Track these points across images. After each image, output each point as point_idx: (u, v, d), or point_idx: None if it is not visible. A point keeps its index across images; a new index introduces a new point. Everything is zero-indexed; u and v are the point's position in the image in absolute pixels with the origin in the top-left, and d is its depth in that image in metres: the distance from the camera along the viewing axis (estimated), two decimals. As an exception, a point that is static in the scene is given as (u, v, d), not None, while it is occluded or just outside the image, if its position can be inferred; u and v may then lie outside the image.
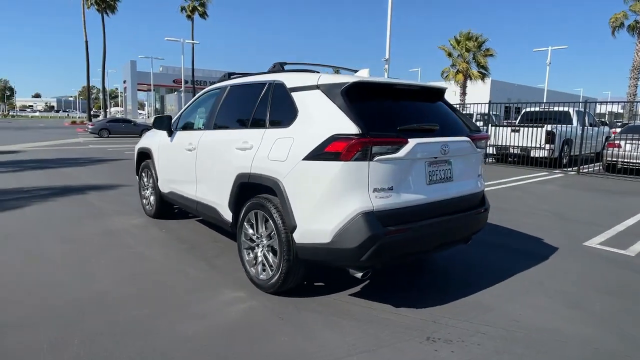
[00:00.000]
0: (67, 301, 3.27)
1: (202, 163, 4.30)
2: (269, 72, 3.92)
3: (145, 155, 5.82)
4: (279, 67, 3.86)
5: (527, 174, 11.56)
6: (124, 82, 64.47)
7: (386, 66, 15.97)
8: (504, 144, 13.59)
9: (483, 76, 31.67)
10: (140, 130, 29.29)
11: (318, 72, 3.55)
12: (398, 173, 3.00)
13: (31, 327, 2.87)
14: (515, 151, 13.46)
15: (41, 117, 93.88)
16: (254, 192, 3.50)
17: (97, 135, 27.85)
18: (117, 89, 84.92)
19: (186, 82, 58.78)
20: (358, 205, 2.86)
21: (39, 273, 3.84)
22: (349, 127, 2.88)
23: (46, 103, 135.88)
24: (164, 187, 5.26)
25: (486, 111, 14.69)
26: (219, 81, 4.68)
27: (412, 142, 3.02)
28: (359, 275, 3.07)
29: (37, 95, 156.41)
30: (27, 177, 9.43)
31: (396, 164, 2.98)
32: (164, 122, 5.04)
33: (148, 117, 51.20)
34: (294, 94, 3.35)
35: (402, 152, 2.97)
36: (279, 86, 3.56)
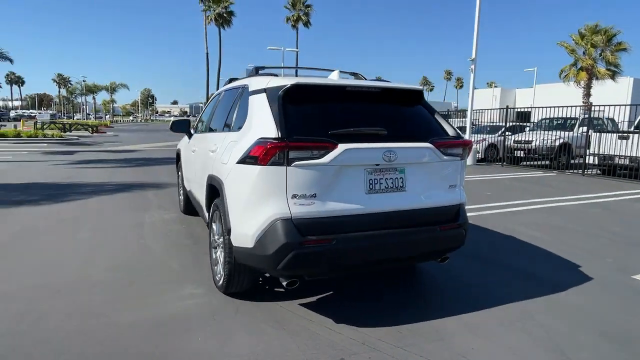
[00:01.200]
0: (50, 281, 3.73)
1: (196, 164, 4.57)
2: (248, 75, 4.00)
3: (177, 156, 6.35)
4: (253, 71, 3.91)
5: (628, 189, 9.77)
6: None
7: (472, 66, 14.85)
8: (609, 153, 11.71)
9: (613, 74, 27.49)
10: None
11: (277, 75, 3.51)
12: (324, 180, 2.82)
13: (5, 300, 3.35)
14: (624, 162, 11.49)
15: (167, 120, 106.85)
16: (217, 194, 3.61)
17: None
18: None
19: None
20: (275, 212, 2.77)
21: (49, 255, 4.43)
22: (271, 131, 2.81)
23: (181, 109, 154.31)
24: (187, 185, 5.67)
25: (621, 115, 12.98)
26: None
27: (341, 147, 2.82)
28: (284, 283, 2.97)
29: (175, 102, 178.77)
30: (120, 172, 10.88)
31: (321, 170, 2.81)
32: (180, 125, 5.42)
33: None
34: (250, 98, 3.37)
35: (328, 158, 2.79)
36: (245, 90, 3.61)
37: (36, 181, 9.12)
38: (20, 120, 32.07)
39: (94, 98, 73.92)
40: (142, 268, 4.11)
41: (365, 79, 4.17)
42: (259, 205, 2.82)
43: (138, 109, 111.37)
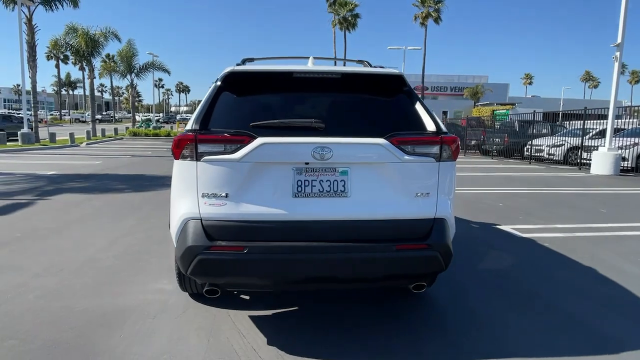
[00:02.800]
0: (56, 262, 4.09)
1: None
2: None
3: None
4: (240, 63, 3.69)
5: None
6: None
7: (617, 53, 12.10)
8: None
9: None
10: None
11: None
12: (237, 178, 2.46)
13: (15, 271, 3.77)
14: None
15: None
16: None
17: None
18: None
19: (426, 88, 59.68)
20: (185, 211, 2.51)
21: (68, 241, 4.89)
22: (191, 123, 2.57)
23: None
24: None
25: None
26: None
27: (257, 141, 2.42)
28: (203, 291, 2.68)
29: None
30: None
31: (232, 167, 2.45)
32: None
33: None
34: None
35: (240, 153, 2.42)
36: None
37: (144, 174, 10.41)
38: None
39: None
40: (136, 258, 4.21)
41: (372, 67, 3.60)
42: (177, 202, 2.61)
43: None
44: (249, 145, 2.42)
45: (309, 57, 3.71)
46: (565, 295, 3.54)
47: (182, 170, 2.54)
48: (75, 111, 73.84)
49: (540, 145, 16.24)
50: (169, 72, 32.25)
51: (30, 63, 20.02)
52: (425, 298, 3.43)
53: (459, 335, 2.86)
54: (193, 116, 2.64)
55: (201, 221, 2.48)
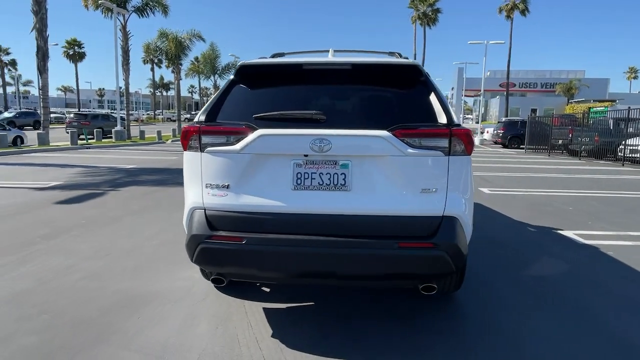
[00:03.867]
0: (107, 247, 4.45)
1: None
2: None
3: None
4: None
5: None
6: (452, 89, 67.52)
7: None
8: None
9: None
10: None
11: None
12: (237, 169, 2.48)
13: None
14: None
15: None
16: None
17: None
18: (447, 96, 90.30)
19: (513, 84, 55.82)
20: (192, 200, 2.60)
21: (123, 229, 5.27)
22: (199, 115, 2.64)
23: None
24: None
25: None
26: None
27: (256, 133, 2.42)
28: (210, 279, 2.73)
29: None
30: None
31: (234, 159, 2.47)
32: None
33: (476, 122, 50.94)
34: None
35: (240, 145, 2.44)
36: None
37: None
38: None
39: None
40: (159, 250, 4.45)
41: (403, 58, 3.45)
42: (187, 192, 2.70)
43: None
44: (248, 137, 2.43)
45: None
46: (617, 312, 3.10)
47: (189, 161, 2.62)
48: (167, 111, 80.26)
49: (636, 146, 14.37)
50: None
51: (124, 66, 22.15)
52: (451, 305, 3.21)
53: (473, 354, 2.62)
54: (203, 108, 2.72)
55: (205, 211, 2.54)
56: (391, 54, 3.73)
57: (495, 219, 5.97)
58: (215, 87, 34.23)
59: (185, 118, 45.07)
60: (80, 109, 54.06)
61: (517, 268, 3.98)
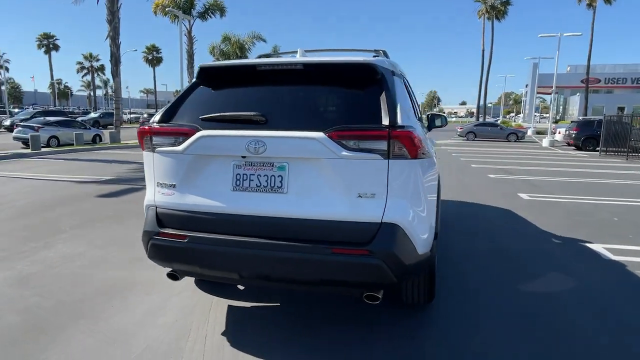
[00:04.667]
0: (116, 237, 4.79)
1: None
2: None
3: None
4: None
5: None
6: (526, 86, 63.38)
7: None
8: None
9: None
10: (506, 134, 28.80)
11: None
12: (182, 169, 2.57)
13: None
14: None
15: (456, 121, 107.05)
16: None
17: (464, 138, 29.53)
18: (520, 94, 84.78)
19: (597, 80, 51.00)
20: (147, 198, 2.74)
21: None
22: (156, 115, 2.77)
23: (467, 109, 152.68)
24: None
25: None
26: None
27: (197, 134, 2.49)
28: (166, 274, 2.84)
29: (463, 103, 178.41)
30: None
31: (178, 159, 2.56)
32: None
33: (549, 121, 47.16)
34: None
35: (183, 146, 2.53)
36: None
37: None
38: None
39: None
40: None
41: (385, 57, 3.36)
42: (146, 189, 2.84)
43: (422, 111, 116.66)
44: (190, 138, 2.51)
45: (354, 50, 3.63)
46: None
47: (145, 160, 2.76)
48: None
49: None
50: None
51: (189, 70, 23.53)
52: (418, 319, 3.06)
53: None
54: (162, 109, 2.84)
55: (156, 208, 2.67)
56: (376, 52, 3.63)
57: (518, 228, 5.55)
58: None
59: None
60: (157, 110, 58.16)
61: (513, 282, 3.69)
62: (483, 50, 44.36)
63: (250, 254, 2.42)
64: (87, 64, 59.43)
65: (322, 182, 2.38)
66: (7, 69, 56.23)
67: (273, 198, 2.43)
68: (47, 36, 52.20)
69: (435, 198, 2.83)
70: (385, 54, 3.62)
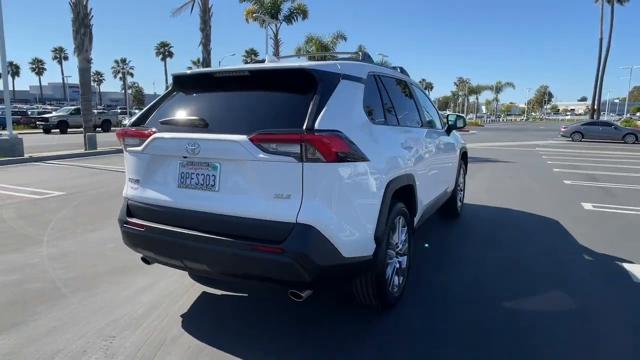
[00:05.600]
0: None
1: None
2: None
3: None
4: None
5: None
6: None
7: None
8: None
9: None
10: (622, 135, 25.33)
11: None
12: (142, 167, 2.93)
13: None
14: None
15: (570, 120, 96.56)
16: None
17: (568, 139, 26.65)
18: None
19: None
20: (124, 190, 3.15)
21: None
22: (131, 119, 3.16)
23: (587, 106, 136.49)
24: None
25: None
26: None
27: (152, 136, 2.83)
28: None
29: (583, 99, 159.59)
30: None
31: (139, 157, 2.93)
32: None
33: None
34: None
35: (142, 146, 2.89)
36: None
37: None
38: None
39: (476, 98, 78.39)
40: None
41: (384, 66, 3.60)
42: None
43: (529, 108, 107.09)
44: (148, 139, 2.86)
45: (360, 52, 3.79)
46: None
47: (124, 158, 3.17)
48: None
49: None
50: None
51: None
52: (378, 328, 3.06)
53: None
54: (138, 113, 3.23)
55: (127, 200, 3.07)
56: (355, 53, 3.66)
57: (550, 240, 5.05)
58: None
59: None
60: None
61: (504, 298, 3.45)
62: (601, 39, 39.52)
63: (190, 245, 2.69)
64: (195, 68, 66.17)
65: (246, 182, 2.56)
66: (132, 75, 64.38)
67: (208, 195, 2.67)
68: (163, 45, 58.72)
69: (377, 202, 2.80)
70: (365, 56, 3.62)
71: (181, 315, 3.10)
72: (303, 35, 28.26)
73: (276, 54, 24.66)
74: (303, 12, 24.03)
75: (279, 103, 2.75)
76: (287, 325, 2.99)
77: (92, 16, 14.77)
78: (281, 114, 2.65)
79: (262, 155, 2.45)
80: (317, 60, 3.64)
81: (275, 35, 24.23)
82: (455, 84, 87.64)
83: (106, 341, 2.75)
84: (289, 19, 24.03)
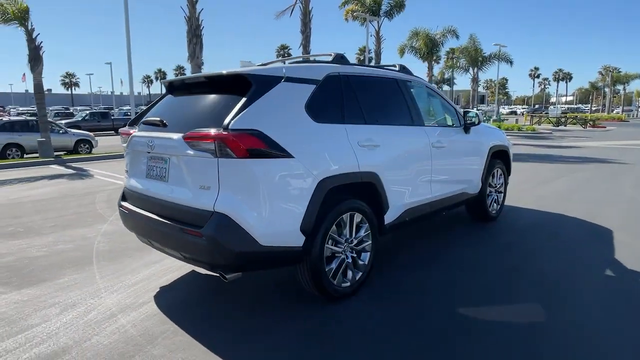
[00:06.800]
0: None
1: None
2: None
3: None
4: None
5: None
6: None
7: None
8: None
9: None
10: None
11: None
12: (128, 160, 3.52)
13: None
14: None
15: None
16: None
17: None
18: None
19: None
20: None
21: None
22: (130, 120, 3.79)
23: None
24: None
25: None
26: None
27: (132, 135, 3.38)
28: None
29: None
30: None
31: (127, 152, 3.53)
32: None
33: None
34: None
35: (127, 143, 3.46)
36: None
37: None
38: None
39: (624, 89, 66.33)
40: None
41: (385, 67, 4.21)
42: None
43: None
44: (129, 137, 3.43)
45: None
46: None
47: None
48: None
49: None
50: (511, 63, 31.07)
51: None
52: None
53: None
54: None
55: (124, 187, 3.70)
56: (334, 55, 3.74)
57: (579, 250, 4.44)
58: (475, 80, 33.03)
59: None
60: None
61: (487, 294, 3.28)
62: None
63: (152, 227, 3.20)
64: None
65: (182, 174, 2.97)
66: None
67: (162, 185, 3.14)
68: (283, 47, 62.62)
69: (304, 197, 2.93)
70: (338, 58, 3.69)
71: (160, 287, 3.64)
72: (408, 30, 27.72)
73: (377, 50, 24.68)
74: (399, 5, 23.58)
75: (218, 105, 3.07)
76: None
77: (203, 27, 16.73)
78: (215, 115, 2.97)
79: (189, 151, 2.84)
80: (303, 63, 3.83)
81: (377, 32, 24.18)
82: (600, 73, 76.27)
83: (94, 299, 3.41)
84: (389, 13, 23.79)
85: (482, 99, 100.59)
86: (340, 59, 3.72)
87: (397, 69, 4.38)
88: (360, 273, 3.43)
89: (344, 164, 3.22)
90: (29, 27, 12.72)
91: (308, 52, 20.67)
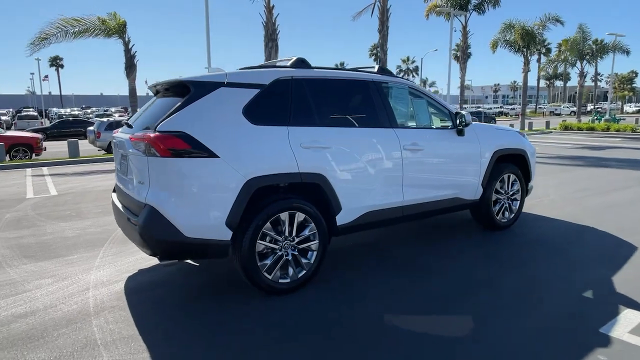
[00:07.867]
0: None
1: None
2: None
3: None
4: None
5: None
6: None
7: None
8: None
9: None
10: None
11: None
12: (115, 158, 4.00)
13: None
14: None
15: None
16: None
17: None
18: None
19: None
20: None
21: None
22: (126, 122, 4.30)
23: None
24: None
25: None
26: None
27: (114, 135, 3.88)
28: None
29: None
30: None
31: (114, 151, 4.02)
32: None
33: None
34: None
35: (113, 142, 3.96)
36: None
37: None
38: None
39: None
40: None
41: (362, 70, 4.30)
42: None
43: None
44: (113, 138, 3.93)
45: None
46: None
47: None
48: (567, 103, 73.28)
49: None
50: (627, 53, 27.09)
51: (462, 64, 23.54)
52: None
53: None
54: None
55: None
56: (294, 60, 3.80)
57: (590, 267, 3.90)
58: (582, 74, 29.47)
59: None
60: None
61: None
62: None
63: (119, 217, 3.67)
64: (404, 67, 68.90)
65: (133, 171, 3.37)
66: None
67: (125, 179, 3.58)
68: (375, 47, 62.46)
69: (230, 194, 3.10)
70: (298, 62, 3.76)
71: (139, 269, 4.10)
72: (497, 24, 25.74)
73: (463, 46, 23.44)
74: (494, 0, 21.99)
75: (163, 109, 3.37)
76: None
77: (279, 31, 17.56)
78: (156, 118, 3.29)
79: (131, 150, 3.23)
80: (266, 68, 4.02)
81: (464, 27, 22.91)
82: None
83: (83, 275, 3.99)
84: (479, 7, 22.34)
85: (604, 96, 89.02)
86: (300, 63, 3.79)
87: (375, 70, 4.31)
88: (304, 271, 3.48)
89: (279, 165, 3.31)
90: (126, 39, 14.65)
91: (385, 50, 20.51)
